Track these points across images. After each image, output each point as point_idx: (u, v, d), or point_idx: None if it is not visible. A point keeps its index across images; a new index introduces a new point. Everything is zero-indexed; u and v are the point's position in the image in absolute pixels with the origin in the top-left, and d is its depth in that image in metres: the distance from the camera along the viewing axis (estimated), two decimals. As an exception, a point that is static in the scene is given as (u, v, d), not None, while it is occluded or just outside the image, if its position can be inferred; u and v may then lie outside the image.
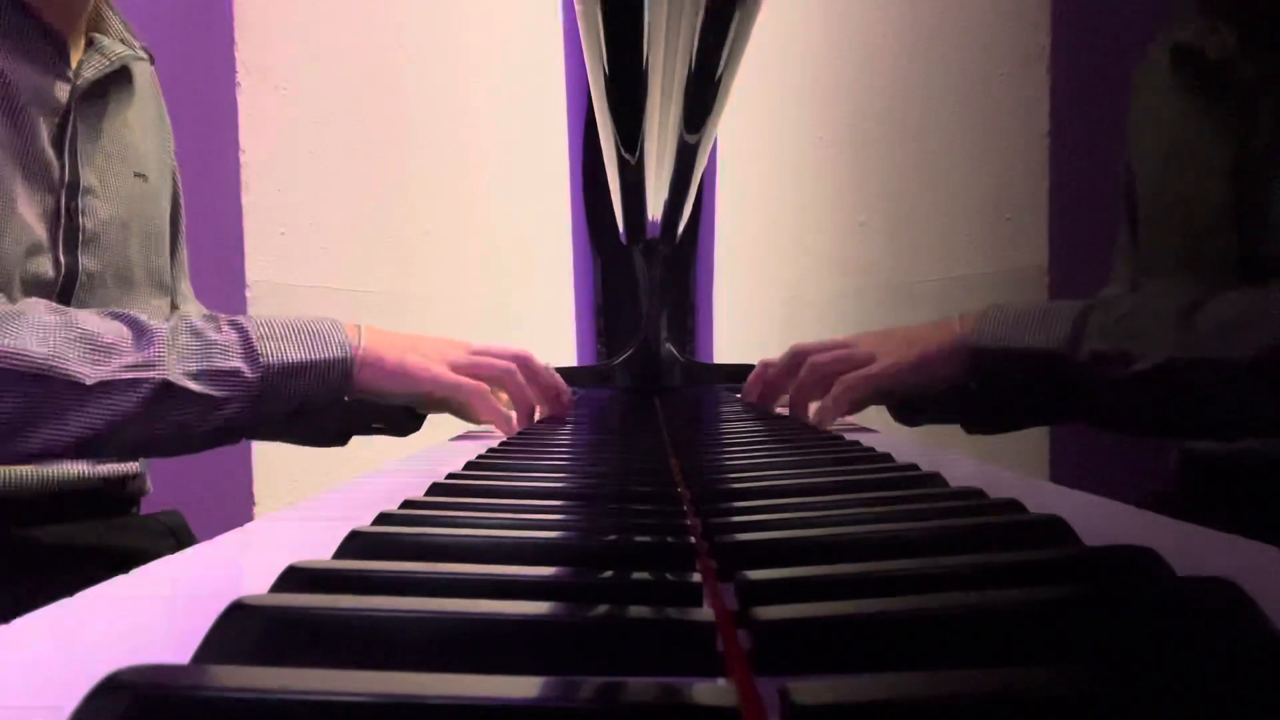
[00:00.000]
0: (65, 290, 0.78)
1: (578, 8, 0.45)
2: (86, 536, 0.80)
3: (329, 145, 1.60)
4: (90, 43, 0.83)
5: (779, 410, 0.91)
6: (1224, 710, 0.17)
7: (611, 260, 1.26)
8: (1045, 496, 0.43)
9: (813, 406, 0.79)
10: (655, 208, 0.87)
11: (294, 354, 0.69)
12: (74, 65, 0.81)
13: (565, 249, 1.45)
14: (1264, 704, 0.17)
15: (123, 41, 0.87)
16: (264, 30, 1.52)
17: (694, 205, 1.16)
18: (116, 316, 0.66)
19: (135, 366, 0.64)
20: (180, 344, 0.66)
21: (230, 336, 0.68)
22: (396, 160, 1.68)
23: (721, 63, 0.49)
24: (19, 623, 0.27)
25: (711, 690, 0.19)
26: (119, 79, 0.86)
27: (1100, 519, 0.38)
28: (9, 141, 0.74)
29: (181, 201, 1.00)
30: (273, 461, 1.48)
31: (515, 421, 0.80)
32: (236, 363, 0.67)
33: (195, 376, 0.65)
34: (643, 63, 0.47)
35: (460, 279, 1.76)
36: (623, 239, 1.07)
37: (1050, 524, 0.33)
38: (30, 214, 0.75)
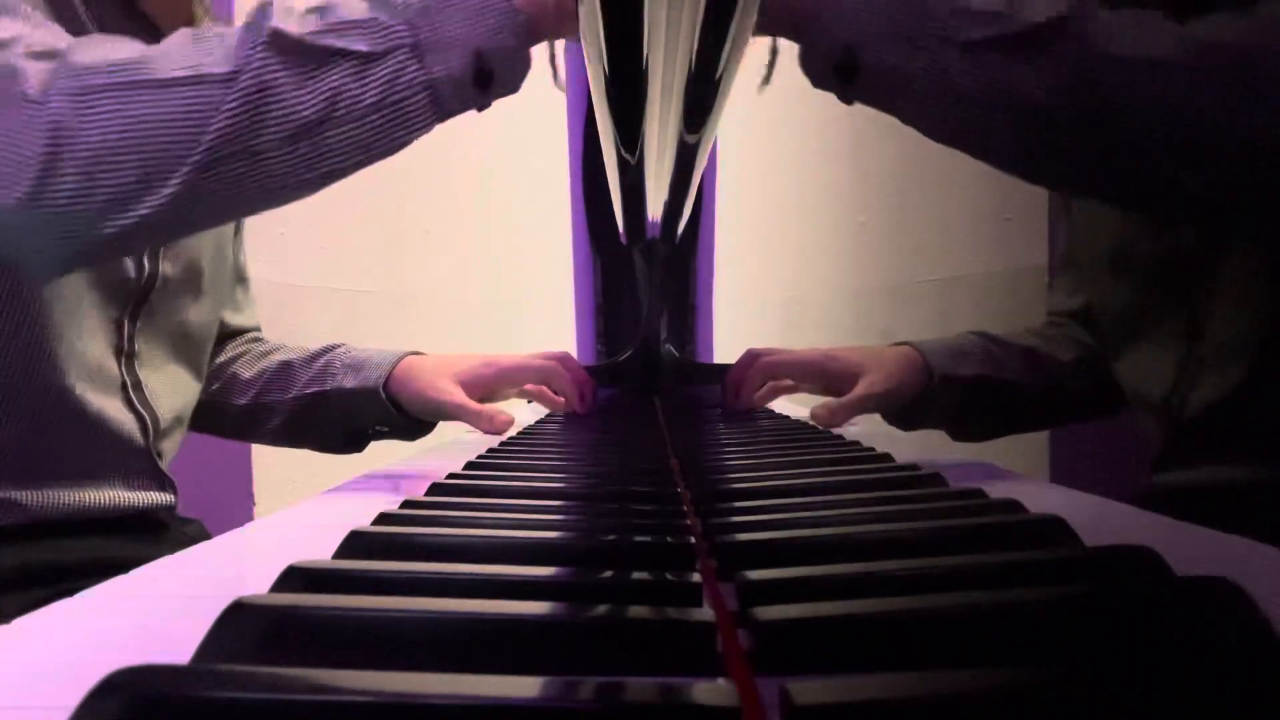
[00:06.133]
0: (145, 292, 0.75)
1: (578, 8, 0.45)
2: (105, 551, 0.76)
3: (329, 145, 1.60)
4: None
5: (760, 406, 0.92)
6: (1224, 710, 0.17)
7: (611, 260, 1.26)
8: (1045, 496, 0.43)
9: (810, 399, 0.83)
10: (655, 208, 0.87)
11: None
12: None
13: (565, 249, 1.45)
14: (1263, 704, 0.17)
15: None
16: (264, 30, 1.51)
17: (694, 205, 1.16)
18: None
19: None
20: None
21: None
22: (396, 160, 1.68)
23: (721, 63, 0.49)
24: (19, 623, 0.27)
25: (711, 690, 0.19)
26: None
27: (1100, 519, 0.38)
28: None
29: None
30: (273, 462, 1.48)
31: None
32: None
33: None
34: (643, 63, 0.47)
35: (460, 279, 1.76)
36: (623, 239, 1.07)
37: (1050, 524, 0.33)
38: None
